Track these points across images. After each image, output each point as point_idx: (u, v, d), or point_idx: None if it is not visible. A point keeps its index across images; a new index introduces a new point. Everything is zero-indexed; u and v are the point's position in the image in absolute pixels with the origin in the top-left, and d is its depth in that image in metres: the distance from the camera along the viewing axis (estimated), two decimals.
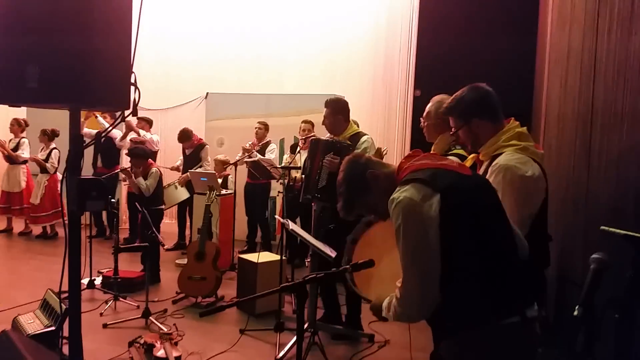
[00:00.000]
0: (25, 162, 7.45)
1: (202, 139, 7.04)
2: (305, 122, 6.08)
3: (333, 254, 2.98)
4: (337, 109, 3.99)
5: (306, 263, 5.97)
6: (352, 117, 4.17)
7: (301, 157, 5.47)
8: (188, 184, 6.50)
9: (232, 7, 8.50)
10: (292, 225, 3.20)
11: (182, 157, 6.99)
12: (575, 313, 1.81)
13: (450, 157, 2.29)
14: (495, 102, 2.25)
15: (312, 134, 5.40)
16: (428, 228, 1.62)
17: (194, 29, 8.64)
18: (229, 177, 6.43)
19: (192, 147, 6.85)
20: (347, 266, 1.83)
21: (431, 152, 3.10)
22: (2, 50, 1.68)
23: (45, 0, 1.63)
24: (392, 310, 1.75)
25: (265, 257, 4.74)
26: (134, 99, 1.89)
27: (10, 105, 1.76)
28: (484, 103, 2.23)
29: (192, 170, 6.45)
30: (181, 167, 6.91)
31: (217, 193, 5.58)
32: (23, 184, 7.41)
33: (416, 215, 1.63)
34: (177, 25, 8.60)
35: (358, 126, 4.22)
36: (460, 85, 2.35)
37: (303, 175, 4.22)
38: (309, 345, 3.70)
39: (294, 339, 3.76)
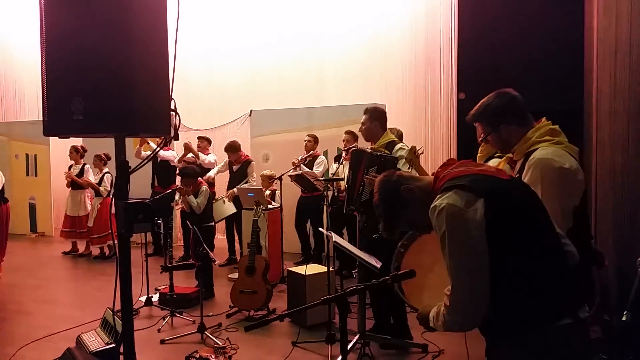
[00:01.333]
0: (90, 187, 7.84)
1: (248, 155, 7.21)
2: (347, 132, 6.10)
3: (378, 264, 2.97)
4: (375, 116, 4.05)
5: (354, 274, 5.96)
6: (395, 125, 4.19)
7: (344, 168, 5.49)
8: (235, 200, 6.65)
9: (268, 24, 8.70)
10: (335, 237, 3.21)
11: (215, 170, 7.19)
12: (624, 318, 1.73)
13: (487, 164, 2.26)
14: (521, 106, 2.24)
15: (354, 145, 5.41)
16: (474, 233, 1.60)
17: (234, 50, 8.92)
18: (277, 191, 6.53)
19: (239, 163, 7.04)
20: (387, 277, 1.83)
21: (478, 154, 3.07)
22: (50, 86, 1.81)
23: (86, 38, 1.74)
24: (440, 319, 1.73)
25: (313, 269, 4.78)
26: (175, 124, 1.97)
27: (60, 137, 1.89)
28: (510, 109, 2.22)
29: (239, 187, 6.62)
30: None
31: (264, 208, 5.67)
32: (89, 208, 7.80)
33: (461, 221, 1.61)
34: (219, 48, 8.94)
35: (402, 136, 4.20)
36: (506, 86, 2.33)
37: (347, 186, 4.24)
38: (359, 356, 3.69)
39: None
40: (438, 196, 1.69)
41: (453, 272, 1.65)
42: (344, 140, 6.06)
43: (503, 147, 2.29)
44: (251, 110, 8.13)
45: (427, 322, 1.82)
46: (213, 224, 6.00)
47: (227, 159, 7.18)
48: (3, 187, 6.04)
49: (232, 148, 6.94)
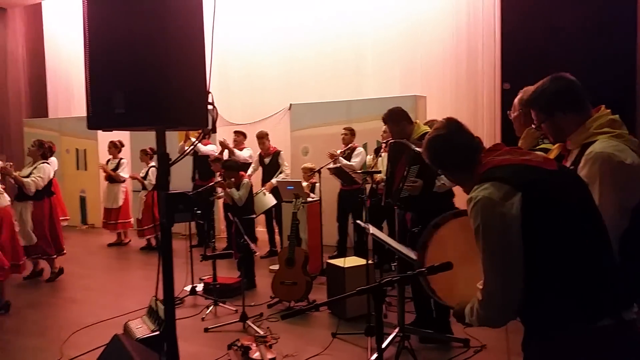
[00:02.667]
0: (124, 180, 8.11)
1: (276, 147, 7.34)
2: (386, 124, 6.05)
3: (416, 257, 2.94)
4: (397, 118, 4.04)
5: (393, 267, 5.92)
6: (434, 116, 4.13)
7: (383, 161, 5.45)
8: (274, 191, 6.74)
9: (306, 18, 8.71)
10: (372, 230, 3.20)
11: (251, 170, 7.30)
12: None
13: (535, 152, 2.17)
14: (580, 92, 2.06)
15: (390, 138, 5.36)
16: (509, 228, 1.57)
17: (273, 44, 8.99)
18: (317, 184, 6.56)
19: (269, 156, 7.20)
20: (424, 269, 1.81)
21: (519, 145, 2.97)
22: (93, 81, 1.89)
23: (127, 35, 1.80)
24: (475, 315, 1.71)
25: (352, 261, 4.79)
26: (212, 118, 2.02)
27: (103, 130, 1.97)
28: (568, 95, 2.06)
29: (279, 180, 6.70)
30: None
31: (304, 200, 5.72)
32: (120, 202, 8.08)
33: (496, 215, 1.58)
34: (257, 44, 9.02)
35: None
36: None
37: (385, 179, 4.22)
38: (399, 349, 3.67)
39: (386, 342, 3.76)
40: (476, 186, 1.66)
41: (486, 266, 1.62)
42: (383, 133, 6.01)
43: (557, 136, 2.14)
44: (291, 104, 8.18)
45: (463, 317, 1.79)
46: (254, 216, 6.09)
47: (256, 156, 7.36)
48: (50, 180, 6.29)
49: (262, 136, 7.17)
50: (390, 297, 5.01)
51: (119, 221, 8.10)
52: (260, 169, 7.37)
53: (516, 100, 2.85)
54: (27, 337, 4.37)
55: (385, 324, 4.24)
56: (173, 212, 1.87)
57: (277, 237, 7.35)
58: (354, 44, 8.32)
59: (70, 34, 11.44)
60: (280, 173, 7.10)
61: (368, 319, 4.15)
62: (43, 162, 6.20)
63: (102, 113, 1.88)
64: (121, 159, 8.11)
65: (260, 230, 8.07)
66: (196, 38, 1.90)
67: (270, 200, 6.63)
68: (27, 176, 5.96)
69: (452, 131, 1.87)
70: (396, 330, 3.83)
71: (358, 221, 3.69)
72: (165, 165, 1.93)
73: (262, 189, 6.81)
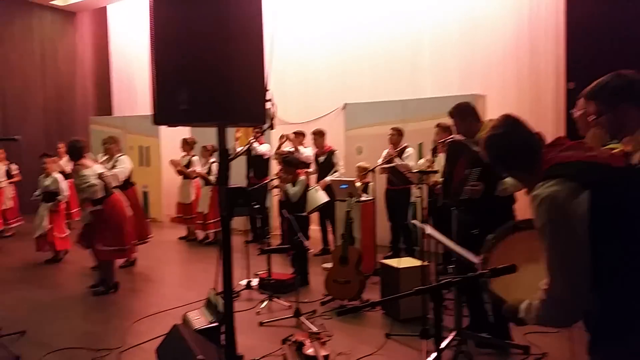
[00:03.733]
0: (195, 177, 8.38)
1: (331, 146, 7.34)
2: (437, 126, 5.96)
3: (476, 259, 2.86)
4: (465, 114, 3.87)
5: (449, 270, 5.80)
6: (495, 116, 3.98)
7: (440, 161, 5.35)
8: (327, 190, 6.77)
9: (361, 15, 8.68)
10: (430, 230, 3.14)
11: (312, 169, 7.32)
12: None
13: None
14: None
15: (449, 137, 5.25)
16: (576, 227, 1.51)
17: (328, 42, 9.01)
18: (370, 183, 6.53)
19: (324, 154, 7.23)
20: (486, 270, 1.76)
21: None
22: (158, 79, 1.96)
23: (190, 35, 1.87)
24: (533, 312, 1.66)
25: (407, 262, 4.73)
26: (271, 114, 2.05)
27: (168, 126, 2.04)
28: (633, 89, 1.97)
29: (333, 178, 6.71)
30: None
31: (357, 199, 5.70)
32: (192, 196, 8.33)
33: (563, 214, 1.52)
34: (312, 41, 9.06)
35: None
36: None
37: (442, 179, 4.14)
38: (456, 353, 3.60)
39: (442, 345, 3.68)
40: (540, 183, 1.59)
41: (551, 266, 1.57)
42: (436, 134, 5.91)
43: (615, 132, 2.05)
44: (345, 104, 8.17)
45: (516, 312, 1.73)
46: (305, 214, 6.11)
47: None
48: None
49: (319, 133, 7.22)
50: (446, 300, 4.91)
51: (194, 215, 8.31)
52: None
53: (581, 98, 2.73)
54: (91, 323, 4.60)
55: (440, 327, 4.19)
56: (233, 206, 1.91)
57: (330, 236, 7.37)
58: (410, 41, 8.20)
59: (134, 36, 11.98)
60: (335, 172, 7.13)
61: (423, 321, 4.07)
62: (121, 155, 6.62)
63: (167, 110, 1.96)
64: (193, 155, 8.36)
65: (314, 228, 8.13)
66: (256, 37, 1.94)
67: (321, 197, 6.64)
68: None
69: (509, 129, 1.81)
70: (453, 333, 3.75)
71: (414, 221, 3.63)
72: (225, 161, 1.98)
73: (315, 185, 6.85)
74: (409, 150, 6.50)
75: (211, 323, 3.74)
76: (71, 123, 12.54)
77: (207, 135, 8.31)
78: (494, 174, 3.45)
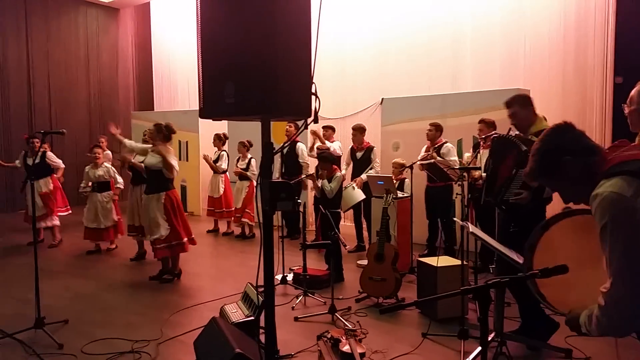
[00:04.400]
0: (224, 171, 8.47)
1: (369, 142, 7.26)
2: (480, 121, 5.81)
3: (520, 259, 2.76)
4: (525, 102, 3.74)
5: (490, 269, 5.67)
6: (538, 111, 3.85)
7: (481, 157, 5.22)
8: (364, 187, 6.71)
9: (399, 8, 8.55)
10: (472, 228, 3.06)
11: (344, 166, 7.24)
12: None
13: None
14: None
15: (492, 132, 5.12)
16: None
17: (365, 36, 8.92)
18: (406, 180, 6.44)
19: (362, 150, 7.15)
20: (537, 271, 1.69)
21: (636, 142, 2.71)
22: (206, 72, 1.97)
23: (237, 29, 1.87)
24: (594, 322, 1.56)
25: (445, 261, 4.64)
26: (315, 108, 2.02)
27: (213, 120, 2.05)
28: None
29: (369, 174, 6.65)
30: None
31: (394, 196, 5.63)
32: (221, 190, 8.45)
33: (627, 213, 1.45)
34: (349, 34, 8.98)
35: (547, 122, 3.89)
36: None
37: (484, 175, 4.03)
38: (495, 355, 3.49)
39: (479, 348, 3.59)
40: (602, 182, 1.51)
41: (613, 268, 1.48)
42: (479, 130, 5.77)
43: None
44: (382, 99, 8.08)
45: (579, 327, 1.65)
46: (339, 210, 6.08)
47: (348, 151, 7.33)
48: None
49: (360, 129, 7.13)
50: None
51: (223, 210, 8.46)
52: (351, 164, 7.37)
53: (634, 92, 2.61)
54: (130, 314, 4.70)
55: (479, 328, 4.09)
56: (276, 200, 1.90)
57: (364, 233, 7.31)
58: (451, 33, 8.04)
59: (175, 32, 12.20)
60: (371, 169, 7.06)
61: (461, 322, 4.00)
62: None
63: (213, 104, 1.97)
64: (222, 151, 8.47)
65: (348, 224, 8.09)
66: (302, 30, 1.92)
67: (358, 195, 6.59)
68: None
69: (564, 131, 1.70)
70: (492, 335, 3.65)
71: (455, 219, 3.54)
72: (269, 154, 1.97)
73: (351, 183, 6.80)
74: (448, 146, 6.38)
75: (248, 317, 3.76)
76: (113, 118, 12.85)
77: (244, 130, 8.41)
78: None
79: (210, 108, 2.00)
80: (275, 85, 1.82)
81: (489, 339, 3.65)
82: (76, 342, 3.99)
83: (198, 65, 1.99)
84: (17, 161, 7.70)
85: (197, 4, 1.96)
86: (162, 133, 5.70)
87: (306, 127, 2.03)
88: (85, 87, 12.32)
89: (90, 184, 7.10)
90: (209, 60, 1.96)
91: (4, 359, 3.75)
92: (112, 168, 7.24)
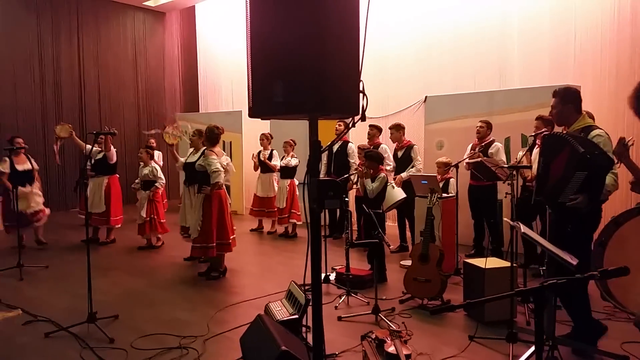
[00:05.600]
0: (278, 170, 8.53)
1: (410, 140, 7.14)
2: (537, 118, 5.62)
3: (574, 261, 2.66)
4: (568, 98, 3.63)
5: (541, 271, 5.49)
6: (589, 109, 3.72)
7: (536, 156, 5.06)
8: (405, 185, 6.63)
9: (443, 2, 8.39)
10: (523, 229, 2.96)
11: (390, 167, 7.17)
12: None
13: None
14: None
15: (543, 130, 4.95)
16: None
17: (408, 31, 8.79)
18: (451, 179, 6.32)
19: (402, 149, 7.06)
20: (595, 272, 1.62)
21: None
22: (255, 72, 1.99)
23: (286, 29, 1.88)
24: None
25: (493, 262, 4.52)
26: (362, 106, 2.01)
27: (262, 119, 2.06)
28: None
29: (413, 173, 6.57)
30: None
31: (439, 196, 5.53)
32: (276, 189, 8.49)
33: None
34: (392, 30, 8.83)
35: (594, 120, 3.74)
36: None
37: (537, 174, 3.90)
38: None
39: (530, 351, 3.49)
40: None
41: None
42: (536, 127, 5.59)
43: None
44: (426, 97, 7.96)
45: None
46: (381, 211, 6.01)
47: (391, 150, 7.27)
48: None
49: (397, 127, 7.08)
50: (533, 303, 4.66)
51: (274, 209, 8.48)
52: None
53: None
54: (178, 311, 4.80)
55: (528, 332, 3.98)
56: (324, 198, 1.90)
57: (407, 233, 7.23)
58: (497, 28, 7.83)
59: (219, 35, 12.43)
60: (412, 167, 6.96)
61: (509, 325, 3.89)
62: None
63: (262, 103, 1.98)
64: (272, 149, 8.54)
65: (390, 225, 8.01)
66: (351, 28, 1.92)
67: (398, 193, 6.51)
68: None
69: None
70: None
71: (507, 219, 3.44)
72: (317, 152, 1.97)
73: (391, 182, 6.72)
74: (497, 145, 6.21)
75: (292, 315, 3.78)
76: (160, 119, 13.25)
77: (284, 130, 8.48)
78: (600, 180, 3.20)
79: (259, 107, 2.01)
80: (324, 84, 1.82)
81: None
82: (126, 337, 4.12)
83: (247, 64, 2.01)
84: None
85: (246, 4, 1.98)
86: (206, 135, 5.95)
87: (354, 125, 2.02)
88: (133, 89, 12.72)
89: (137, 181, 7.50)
90: (258, 60, 1.98)
91: (60, 351, 3.91)
92: (156, 167, 7.44)
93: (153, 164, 7.45)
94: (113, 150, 7.68)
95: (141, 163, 7.47)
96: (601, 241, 1.86)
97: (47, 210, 7.59)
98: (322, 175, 7.02)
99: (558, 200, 3.29)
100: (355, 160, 7.74)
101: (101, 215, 7.62)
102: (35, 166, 7.47)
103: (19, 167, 7.09)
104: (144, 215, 7.30)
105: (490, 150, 6.17)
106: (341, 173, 7.44)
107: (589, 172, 3.16)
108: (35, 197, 7.31)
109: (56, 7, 11.20)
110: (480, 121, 6.32)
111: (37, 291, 5.45)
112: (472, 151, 6.08)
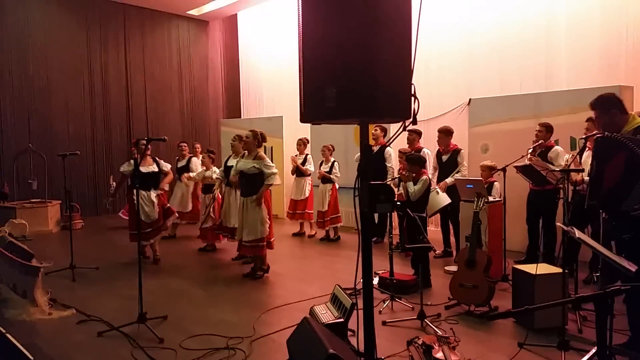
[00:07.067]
0: (310, 174, 8.61)
1: (456, 145, 7.03)
2: (588, 120, 5.43)
3: (633, 267, 2.56)
4: (608, 105, 3.55)
5: (595, 278, 5.30)
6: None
7: (587, 159, 4.89)
8: (450, 190, 6.52)
9: (488, 4, 8.24)
10: (578, 234, 2.87)
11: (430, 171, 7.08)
12: None
13: None
14: None
15: (594, 132, 4.79)
16: None
17: (452, 32, 8.66)
18: (495, 183, 6.18)
19: (447, 153, 6.96)
20: None
21: None
22: (308, 77, 2.01)
23: (339, 36, 1.90)
24: None
25: (543, 268, 4.40)
26: (414, 109, 2.00)
27: (312, 124, 2.09)
28: None
29: (458, 177, 6.47)
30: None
31: (486, 200, 5.42)
32: (307, 193, 8.58)
33: None
34: (435, 32, 8.69)
35: None
36: None
37: (587, 178, 3.78)
38: None
39: (585, 358, 3.37)
40: None
41: None
42: (586, 129, 5.40)
43: None
44: (470, 99, 7.83)
45: None
46: (424, 215, 5.94)
47: (434, 154, 7.18)
48: None
49: (446, 131, 6.94)
50: (585, 311, 4.51)
51: (306, 211, 8.61)
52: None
53: None
54: (224, 312, 4.89)
55: (580, 340, 3.85)
56: (375, 202, 1.90)
57: (451, 238, 7.11)
58: (544, 28, 7.62)
59: (260, 42, 12.63)
60: (457, 172, 6.84)
61: (560, 332, 3.77)
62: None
63: (313, 108, 2.01)
64: (307, 154, 8.62)
65: (433, 229, 7.91)
66: (403, 32, 1.92)
67: (443, 199, 6.41)
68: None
69: None
70: (595, 348, 3.41)
71: (560, 224, 3.35)
72: (368, 156, 1.97)
73: (436, 187, 6.62)
74: (557, 150, 5.97)
75: (337, 319, 3.78)
76: (204, 125, 13.57)
77: (322, 136, 8.53)
78: None
79: (310, 112, 2.04)
80: (377, 88, 1.83)
81: (592, 352, 3.42)
82: (175, 337, 4.22)
83: (300, 70, 2.04)
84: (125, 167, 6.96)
85: (298, 10, 2.01)
86: (256, 139, 6.14)
87: (405, 129, 2.01)
88: (178, 96, 13.07)
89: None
90: (310, 65, 2.01)
91: (112, 350, 4.05)
92: (215, 170, 7.59)
93: (214, 168, 7.67)
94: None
95: (203, 167, 7.79)
96: None
97: (171, 219, 7.14)
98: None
99: (621, 209, 3.17)
100: (392, 164, 7.69)
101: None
102: (165, 169, 6.93)
103: (143, 169, 6.57)
104: (215, 219, 7.46)
105: (549, 154, 5.94)
106: (378, 178, 7.40)
107: None
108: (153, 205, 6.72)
109: (105, 18, 11.66)
110: (539, 124, 6.08)
111: (89, 291, 5.66)
112: (530, 155, 5.87)
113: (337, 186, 8.28)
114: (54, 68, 10.91)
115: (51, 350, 4.03)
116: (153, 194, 6.72)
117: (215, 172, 7.50)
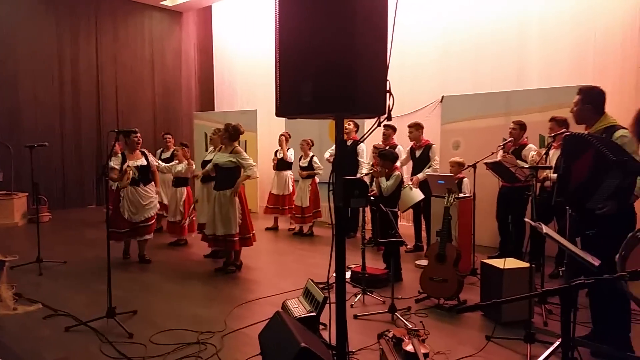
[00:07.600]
0: (291, 165, 8.55)
1: (428, 140, 7.11)
2: (551, 120, 5.58)
3: (596, 262, 2.65)
4: (588, 99, 3.63)
5: (561, 272, 5.46)
6: (610, 110, 3.70)
7: (552, 157, 5.03)
8: (422, 185, 6.61)
9: (461, 4, 8.36)
10: (545, 229, 2.95)
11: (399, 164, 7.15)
12: None
13: None
14: None
15: (562, 130, 4.92)
16: None
17: (425, 33, 8.75)
18: (464, 179, 6.30)
19: (420, 148, 7.03)
20: (624, 273, 1.62)
21: None
22: (283, 72, 2.01)
23: (315, 31, 1.91)
24: None
25: (511, 263, 4.51)
26: (389, 105, 2.02)
27: (288, 118, 2.09)
28: None
29: (429, 173, 6.55)
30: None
31: (456, 196, 5.52)
32: (290, 188, 8.54)
33: None
34: (409, 30, 8.76)
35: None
36: None
37: (553, 175, 3.88)
38: None
39: (548, 351, 3.48)
40: None
41: None
42: (549, 129, 5.55)
43: None
44: (443, 96, 7.93)
45: None
46: (396, 210, 6.01)
47: (407, 149, 7.24)
48: None
49: (416, 125, 7.06)
50: (551, 305, 4.65)
51: (287, 207, 8.54)
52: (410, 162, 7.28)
53: None
54: (195, 307, 4.85)
55: (546, 332, 3.96)
56: (349, 196, 1.92)
57: (423, 233, 7.21)
58: (516, 28, 7.78)
59: (235, 35, 12.51)
60: (429, 167, 6.94)
61: (527, 325, 3.88)
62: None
63: (289, 102, 2.00)
64: (312, 155, 8.44)
65: (404, 224, 8.00)
66: (380, 29, 1.93)
67: (417, 195, 6.48)
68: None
69: None
70: (559, 340, 3.52)
71: (527, 219, 3.43)
72: (343, 151, 1.99)
73: (409, 183, 6.69)
74: (531, 148, 6.08)
75: (310, 312, 3.80)
76: (177, 117, 13.37)
77: (299, 130, 8.52)
78: (629, 185, 3.17)
79: (286, 106, 2.04)
80: (353, 83, 1.84)
81: (556, 344, 3.53)
82: (145, 332, 4.17)
83: (276, 64, 2.04)
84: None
85: (275, 4, 2.00)
86: (229, 132, 6.03)
87: (379, 125, 2.03)
88: (150, 88, 12.84)
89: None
90: (287, 60, 2.00)
91: (80, 345, 3.97)
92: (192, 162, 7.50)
93: (186, 161, 7.45)
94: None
95: (175, 160, 7.49)
96: (623, 255, 1.85)
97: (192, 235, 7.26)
98: None
99: (586, 207, 3.27)
100: (364, 159, 7.75)
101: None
102: (154, 163, 6.70)
103: (131, 163, 6.33)
104: (183, 214, 7.34)
105: (523, 153, 6.04)
106: (349, 172, 7.43)
107: (620, 180, 3.13)
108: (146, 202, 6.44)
109: (74, 6, 11.35)
110: (513, 122, 6.18)
111: (56, 286, 5.53)
112: (504, 153, 5.97)
113: (317, 180, 8.29)
114: (22, 58, 10.58)
115: (16, 346, 3.94)
116: (142, 190, 6.39)
117: (185, 165, 7.40)
